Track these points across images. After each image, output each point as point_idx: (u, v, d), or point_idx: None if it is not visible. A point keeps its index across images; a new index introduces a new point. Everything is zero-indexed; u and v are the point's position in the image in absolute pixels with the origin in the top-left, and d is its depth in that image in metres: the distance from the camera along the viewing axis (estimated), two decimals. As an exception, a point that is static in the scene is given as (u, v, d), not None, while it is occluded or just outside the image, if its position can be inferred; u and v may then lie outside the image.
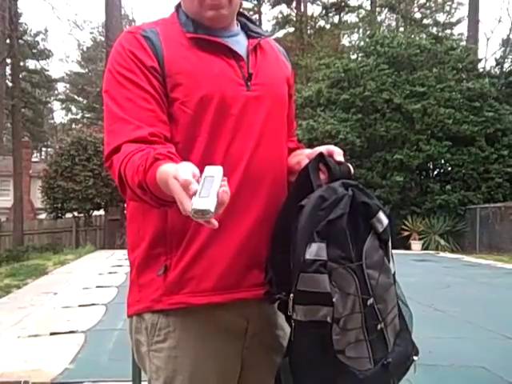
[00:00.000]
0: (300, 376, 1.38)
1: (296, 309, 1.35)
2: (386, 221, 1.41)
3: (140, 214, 1.51)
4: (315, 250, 1.31)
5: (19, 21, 29.56)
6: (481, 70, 22.78)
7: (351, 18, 37.94)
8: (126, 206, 1.61)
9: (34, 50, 36.62)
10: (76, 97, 50.86)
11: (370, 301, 1.35)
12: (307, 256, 1.31)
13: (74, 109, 53.75)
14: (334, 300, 1.31)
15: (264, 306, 1.52)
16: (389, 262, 1.43)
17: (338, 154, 1.51)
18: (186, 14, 1.56)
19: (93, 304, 7.19)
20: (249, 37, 1.61)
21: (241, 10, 1.65)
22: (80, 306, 7.16)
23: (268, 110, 1.54)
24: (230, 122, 1.47)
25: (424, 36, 24.76)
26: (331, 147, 1.53)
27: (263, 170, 1.50)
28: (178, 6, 1.60)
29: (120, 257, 14.16)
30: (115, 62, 1.50)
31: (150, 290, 1.48)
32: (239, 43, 1.57)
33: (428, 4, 38.44)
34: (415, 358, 1.47)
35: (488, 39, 48.15)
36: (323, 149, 1.53)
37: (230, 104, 1.48)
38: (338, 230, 1.33)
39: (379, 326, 1.38)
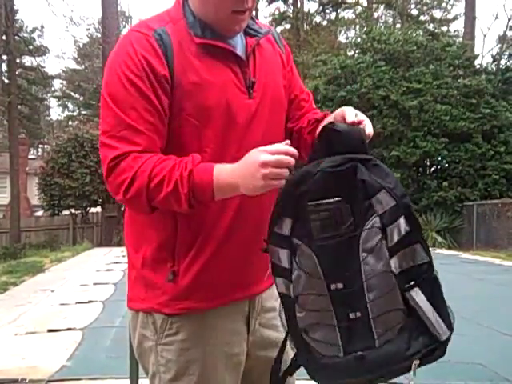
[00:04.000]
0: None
1: (273, 279, 1.42)
2: (389, 202, 1.30)
3: (142, 216, 1.53)
4: (281, 224, 1.35)
5: (15, 17, 29.43)
6: (477, 67, 22.77)
7: (348, 14, 37.88)
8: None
9: (31, 47, 36.46)
10: (72, 93, 50.70)
11: (338, 285, 1.30)
12: (274, 229, 1.36)
13: (70, 106, 53.58)
14: (292, 277, 1.34)
15: (262, 293, 1.65)
16: (387, 248, 1.30)
17: (350, 116, 1.43)
18: (193, 13, 1.52)
19: (90, 301, 7.19)
20: (246, 34, 1.60)
21: None
22: (77, 303, 7.16)
23: (268, 116, 1.57)
24: (237, 131, 1.50)
25: (421, 32, 24.75)
26: (345, 110, 1.47)
27: None
28: (185, 0, 1.56)
29: (117, 254, 14.16)
30: (124, 65, 1.44)
31: (157, 292, 1.51)
32: (238, 44, 1.57)
33: (425, 0, 38.41)
34: (415, 362, 1.33)
35: (485, 36, 48.25)
36: (331, 118, 1.51)
37: (235, 113, 1.49)
38: (302, 207, 1.33)
39: (352, 315, 1.31)
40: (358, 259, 1.29)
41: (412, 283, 1.31)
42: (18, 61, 30.47)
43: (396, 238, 1.29)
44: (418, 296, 1.31)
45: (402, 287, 1.30)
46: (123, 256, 13.39)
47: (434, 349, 1.32)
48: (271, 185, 1.31)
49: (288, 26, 36.25)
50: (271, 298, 1.65)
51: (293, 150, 1.32)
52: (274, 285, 1.60)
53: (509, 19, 34.44)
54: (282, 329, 1.64)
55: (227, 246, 1.50)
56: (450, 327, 1.33)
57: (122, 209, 21.00)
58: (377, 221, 1.30)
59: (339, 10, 36.85)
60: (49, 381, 4.05)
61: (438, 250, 17.18)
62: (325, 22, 37.27)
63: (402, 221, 1.30)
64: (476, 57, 24.37)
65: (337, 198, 1.30)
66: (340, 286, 1.30)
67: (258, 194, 1.38)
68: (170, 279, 1.49)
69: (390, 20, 39.09)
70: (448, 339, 1.32)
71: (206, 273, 1.49)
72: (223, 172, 1.36)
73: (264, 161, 1.29)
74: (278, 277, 1.38)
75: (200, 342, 1.51)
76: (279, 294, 1.40)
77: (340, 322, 1.31)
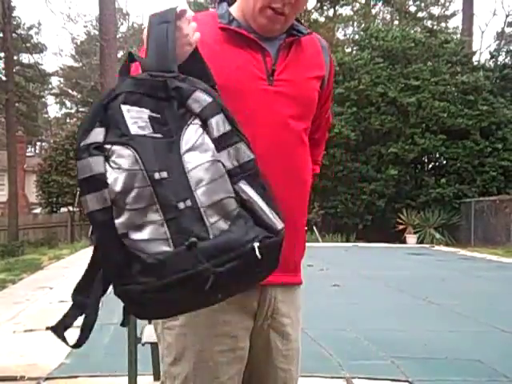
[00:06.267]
0: (104, 274, 1.31)
1: (83, 201, 1.25)
2: (206, 99, 1.30)
3: None
4: (92, 136, 1.24)
5: (12, 14, 29.38)
6: (475, 64, 22.79)
7: (346, 11, 37.82)
8: None
9: (28, 44, 36.40)
10: (70, 91, 50.63)
11: (162, 174, 1.22)
12: (81, 143, 1.24)
13: (68, 103, 53.53)
14: (108, 180, 1.21)
15: (274, 292, 1.58)
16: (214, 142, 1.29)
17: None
18: (227, 9, 1.61)
19: (88, 298, 7.18)
20: (288, 34, 1.63)
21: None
22: (75, 300, 7.16)
23: (291, 107, 1.57)
24: (245, 112, 1.48)
25: (419, 29, 24.77)
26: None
27: (277, 165, 1.53)
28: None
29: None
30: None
31: None
32: (274, 43, 1.60)
33: (423, -3, 38.40)
34: (255, 244, 1.22)
35: (483, 32, 48.35)
36: None
37: (246, 95, 1.51)
38: (113, 112, 1.26)
39: (181, 205, 1.21)
40: (179, 157, 1.24)
41: (240, 176, 1.28)
42: (15, 58, 30.43)
43: (217, 133, 1.28)
44: (248, 189, 1.27)
45: (231, 180, 1.26)
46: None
47: (271, 236, 1.25)
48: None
49: (286, 23, 36.15)
50: (290, 304, 1.63)
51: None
52: (296, 293, 1.65)
53: (507, 16, 34.50)
54: (293, 338, 1.65)
55: None
56: (282, 220, 1.29)
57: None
58: (196, 121, 1.28)
59: (337, 7, 36.80)
60: (47, 378, 4.05)
61: (436, 247, 17.21)
62: (322, 19, 37.22)
63: (221, 117, 1.29)
64: (474, 53, 24.41)
65: (147, 110, 1.28)
66: (164, 174, 1.22)
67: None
68: None
69: (388, 17, 39.11)
70: (282, 230, 1.27)
71: None
72: None
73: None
74: (89, 193, 1.22)
75: (197, 329, 1.51)
76: (90, 213, 1.22)
77: (167, 214, 1.20)
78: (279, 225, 1.27)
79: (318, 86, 1.66)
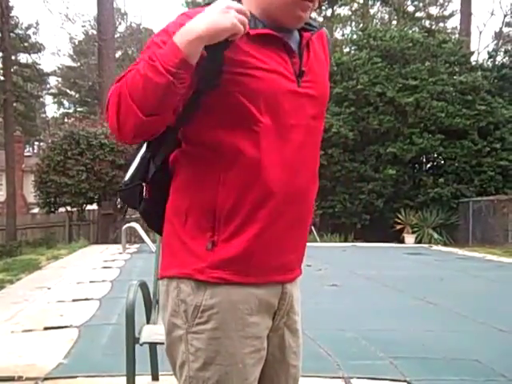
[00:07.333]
0: None
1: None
2: None
3: (195, 183, 1.54)
4: None
5: (10, 14, 29.28)
6: (473, 63, 22.80)
7: (344, 11, 37.81)
8: (175, 174, 1.60)
9: (26, 44, 36.28)
10: (68, 91, 50.57)
11: None
12: None
13: (66, 103, 53.44)
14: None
15: (291, 289, 1.64)
16: None
17: None
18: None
19: (86, 299, 7.18)
20: (301, 29, 1.60)
21: None
22: (74, 300, 7.15)
23: (314, 108, 1.59)
24: (281, 116, 1.50)
25: (417, 29, 24.76)
26: None
27: (304, 166, 1.58)
28: None
29: (113, 251, 14.13)
30: (179, 19, 1.48)
31: (195, 259, 1.52)
32: (292, 37, 1.58)
33: (421, -3, 38.39)
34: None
35: (480, 32, 48.18)
36: None
37: (280, 99, 1.50)
38: None
39: None
40: None
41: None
42: (13, 58, 30.36)
43: None
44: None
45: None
46: (119, 253, 13.37)
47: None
48: (235, 23, 1.36)
49: (284, 23, 36.08)
50: (298, 299, 1.68)
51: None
52: (298, 286, 1.69)
53: (504, 16, 34.51)
54: (300, 334, 1.70)
55: (276, 223, 1.51)
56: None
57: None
58: None
59: (335, 7, 36.83)
60: (45, 378, 4.04)
61: (434, 247, 17.21)
62: (321, 19, 37.23)
63: None
64: (472, 53, 24.43)
65: None
66: None
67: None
68: (209, 248, 1.50)
69: (386, 17, 39.11)
70: (124, 183, 1.71)
71: (249, 247, 1.50)
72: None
73: (229, 5, 1.37)
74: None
75: (230, 332, 1.51)
76: None
77: None
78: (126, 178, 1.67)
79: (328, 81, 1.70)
